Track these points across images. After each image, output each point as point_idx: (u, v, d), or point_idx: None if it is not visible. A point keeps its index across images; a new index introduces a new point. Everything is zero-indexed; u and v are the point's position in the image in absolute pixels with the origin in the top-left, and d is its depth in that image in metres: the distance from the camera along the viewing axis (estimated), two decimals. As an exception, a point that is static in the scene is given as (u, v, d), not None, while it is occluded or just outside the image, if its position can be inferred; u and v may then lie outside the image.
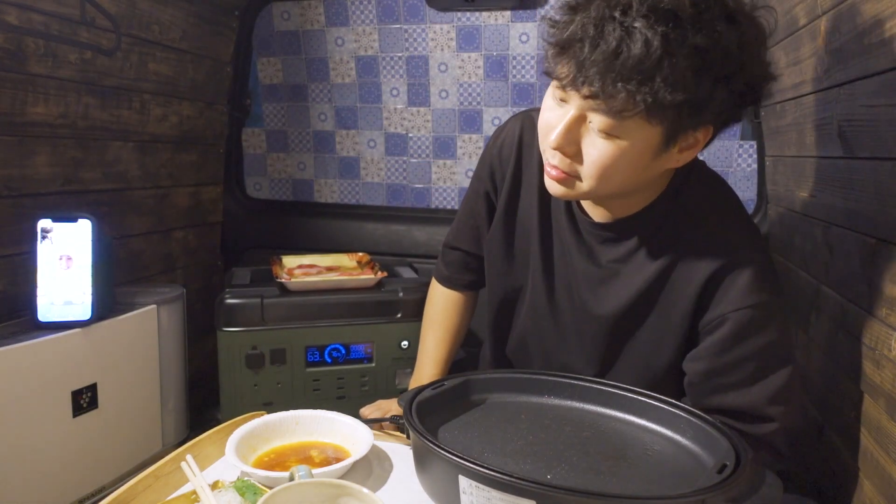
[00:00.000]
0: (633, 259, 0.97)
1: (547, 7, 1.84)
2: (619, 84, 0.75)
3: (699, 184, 0.97)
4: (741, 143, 1.79)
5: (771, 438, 0.91)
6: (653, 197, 0.95)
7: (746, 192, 1.79)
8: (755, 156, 1.77)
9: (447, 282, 1.26)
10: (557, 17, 0.83)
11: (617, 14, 0.76)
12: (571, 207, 1.02)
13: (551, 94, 0.88)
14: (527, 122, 1.08)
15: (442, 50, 1.96)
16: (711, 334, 0.91)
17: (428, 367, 1.25)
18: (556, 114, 0.86)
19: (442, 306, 1.27)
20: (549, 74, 0.85)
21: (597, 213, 0.99)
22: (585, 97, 0.80)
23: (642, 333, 0.98)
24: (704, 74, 0.76)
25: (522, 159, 1.08)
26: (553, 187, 0.91)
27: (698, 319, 0.93)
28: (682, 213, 0.95)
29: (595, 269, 1.00)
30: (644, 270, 0.96)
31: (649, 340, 0.98)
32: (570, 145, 0.85)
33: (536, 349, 1.13)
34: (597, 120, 0.81)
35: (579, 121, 0.84)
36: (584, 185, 0.87)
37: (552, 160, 0.88)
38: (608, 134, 0.82)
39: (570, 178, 0.88)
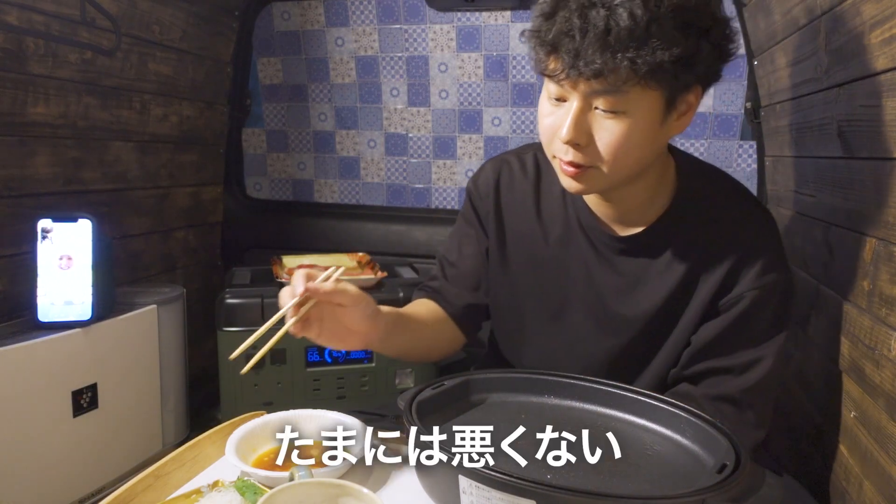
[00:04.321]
0: (655, 266, 1.01)
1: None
2: (619, 55, 0.81)
3: (706, 185, 1.02)
4: (741, 143, 1.79)
5: (749, 395, 0.96)
6: (659, 190, 1.00)
7: (746, 192, 1.80)
8: (755, 156, 1.77)
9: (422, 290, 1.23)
10: (537, 24, 0.88)
11: (596, 0, 0.82)
12: (583, 225, 1.05)
13: (546, 100, 0.92)
14: (504, 166, 1.13)
15: (442, 50, 1.96)
16: (728, 310, 0.97)
17: None
18: (556, 115, 0.90)
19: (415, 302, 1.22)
20: (544, 74, 0.89)
21: (612, 220, 1.03)
22: (588, 79, 0.84)
23: (671, 335, 1.02)
24: (688, 29, 0.83)
25: (501, 199, 1.12)
26: (571, 184, 0.95)
27: (718, 300, 0.98)
28: (696, 217, 0.99)
29: (618, 278, 1.03)
30: (669, 276, 1.00)
31: (675, 341, 1.02)
32: (582, 136, 0.88)
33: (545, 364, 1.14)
34: (602, 102, 0.86)
35: (584, 110, 0.87)
36: (604, 169, 0.90)
37: (566, 157, 0.91)
38: (615, 112, 0.86)
39: (587, 169, 0.91)
